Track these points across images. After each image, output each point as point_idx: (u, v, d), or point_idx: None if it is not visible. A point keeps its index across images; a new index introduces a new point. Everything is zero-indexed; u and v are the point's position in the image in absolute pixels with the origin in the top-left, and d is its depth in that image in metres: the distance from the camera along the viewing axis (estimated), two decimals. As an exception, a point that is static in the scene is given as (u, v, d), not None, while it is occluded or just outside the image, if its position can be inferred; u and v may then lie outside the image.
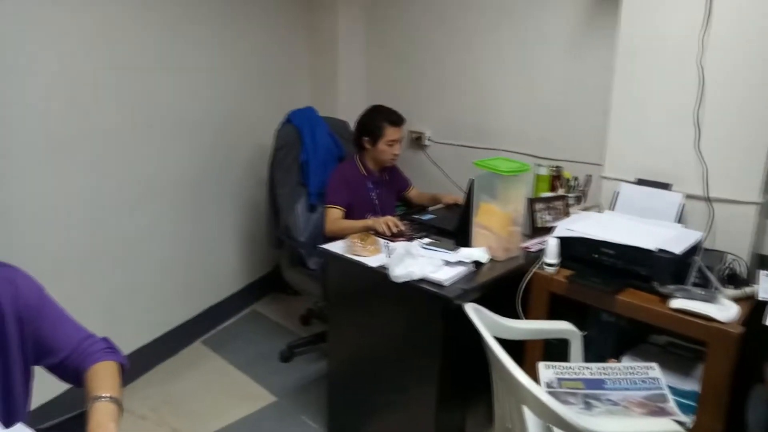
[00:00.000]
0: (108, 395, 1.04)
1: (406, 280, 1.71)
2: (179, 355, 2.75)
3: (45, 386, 1.16)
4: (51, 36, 1.99)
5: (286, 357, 2.72)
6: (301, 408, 2.35)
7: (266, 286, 3.39)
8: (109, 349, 1.16)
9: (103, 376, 1.08)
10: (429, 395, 1.78)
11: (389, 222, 2.14)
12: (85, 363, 1.11)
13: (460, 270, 1.77)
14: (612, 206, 2.05)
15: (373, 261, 1.87)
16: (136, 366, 1.13)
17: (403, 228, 2.15)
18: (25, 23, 1.91)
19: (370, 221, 2.22)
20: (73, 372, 1.12)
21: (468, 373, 1.86)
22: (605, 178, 2.14)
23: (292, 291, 3.32)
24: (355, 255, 1.92)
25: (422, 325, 1.78)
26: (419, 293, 1.71)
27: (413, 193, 2.77)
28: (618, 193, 2.04)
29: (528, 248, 1.99)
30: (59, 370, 1.13)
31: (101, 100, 2.22)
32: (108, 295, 2.32)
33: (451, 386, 1.81)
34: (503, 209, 1.89)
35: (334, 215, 2.40)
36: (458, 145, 3.00)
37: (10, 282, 1.06)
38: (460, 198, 2.45)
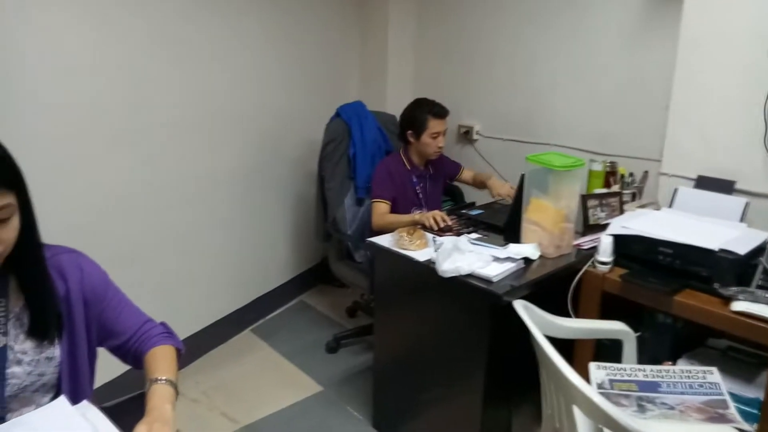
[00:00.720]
0: (165, 378, 1.08)
1: (454, 275, 1.70)
2: (230, 342, 2.83)
3: (106, 368, 1.22)
4: (113, 35, 2.07)
5: (333, 348, 2.76)
6: (346, 399, 2.38)
7: (313, 277, 3.44)
8: (167, 333, 1.21)
9: (161, 360, 1.13)
10: (475, 392, 1.77)
11: (437, 216, 2.12)
12: (145, 346, 1.16)
13: (509, 266, 1.74)
14: (670, 204, 1.97)
15: (420, 255, 1.87)
16: (189, 351, 1.18)
17: (450, 223, 2.13)
18: (89, 24, 1.99)
19: (417, 216, 2.22)
20: (133, 354, 1.17)
21: (515, 371, 1.84)
22: (663, 174, 2.05)
23: (338, 283, 3.35)
24: (402, 249, 1.92)
25: (469, 320, 1.76)
26: (467, 289, 1.69)
27: (466, 174, 2.74)
28: (677, 190, 1.96)
29: (580, 246, 1.94)
30: (120, 352, 1.19)
31: (161, 96, 2.30)
32: (165, 283, 2.41)
33: (498, 384, 1.79)
34: (555, 205, 1.85)
35: (381, 209, 2.41)
36: (508, 140, 2.95)
37: (77, 267, 1.12)
38: (511, 188, 2.40)
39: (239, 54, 2.66)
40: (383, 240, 2.02)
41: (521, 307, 1.52)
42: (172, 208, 2.43)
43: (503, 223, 2.08)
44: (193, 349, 2.59)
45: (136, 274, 2.21)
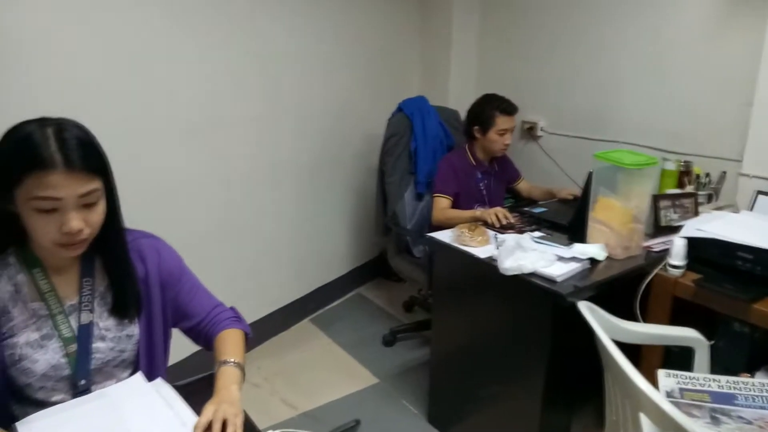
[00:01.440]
0: (233, 360, 1.13)
1: (516, 273, 1.67)
2: (290, 330, 2.91)
3: (175, 349, 1.28)
4: (190, 30, 2.16)
5: (389, 341, 2.78)
6: (402, 392, 2.39)
7: (371, 271, 3.47)
8: (236, 318, 1.26)
9: (230, 343, 1.18)
10: (534, 393, 1.74)
11: (498, 213, 2.09)
12: (215, 329, 1.21)
13: (573, 266, 1.70)
14: (751, 206, 1.85)
15: (481, 252, 1.85)
16: (252, 337, 1.23)
17: (512, 220, 2.10)
18: (171, 19, 2.09)
19: (478, 212, 2.20)
20: (204, 336, 1.23)
21: (576, 374, 1.79)
22: (744, 175, 1.94)
23: (395, 277, 3.38)
24: (463, 245, 1.91)
25: (530, 320, 1.73)
26: (529, 288, 1.66)
27: (523, 185, 2.70)
28: (758, 192, 1.84)
29: (650, 248, 1.87)
30: (192, 333, 1.25)
31: (232, 90, 2.38)
32: (232, 270, 2.50)
33: (558, 386, 1.75)
34: (624, 205, 1.78)
35: (442, 204, 2.40)
36: (574, 137, 2.86)
37: (155, 251, 1.18)
38: (577, 192, 2.34)
39: (307, 49, 2.71)
40: (443, 235, 2.01)
41: (586, 308, 1.47)
42: (239, 198, 2.52)
43: (568, 222, 2.03)
44: (255, 335, 2.64)
45: (206, 260, 2.28)
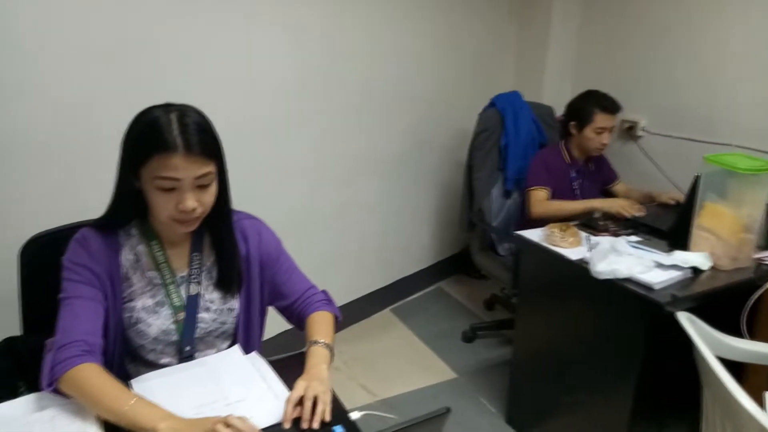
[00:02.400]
0: (323, 341, 1.18)
1: (609, 277, 1.60)
2: (371, 319, 2.97)
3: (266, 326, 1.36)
4: (290, 24, 2.25)
5: (469, 338, 2.76)
6: (480, 390, 2.38)
7: (453, 266, 3.46)
8: (327, 301, 1.31)
9: (321, 324, 1.23)
10: (622, 405, 1.66)
11: (625, 205, 2.00)
12: (307, 310, 1.27)
13: (674, 274, 1.60)
14: None
15: (571, 253, 1.79)
16: (340, 321, 1.28)
17: (639, 214, 2.00)
18: (271, 15, 2.18)
19: (596, 202, 2.10)
20: (297, 316, 1.29)
21: (669, 388, 1.70)
22: None
23: (477, 274, 3.35)
24: (553, 245, 1.85)
25: (622, 328, 1.66)
26: (623, 294, 1.59)
27: (620, 188, 2.57)
28: None
29: (761, 260, 1.72)
30: (286, 312, 1.31)
31: (326, 81, 2.45)
32: (319, 257, 2.59)
33: (649, 398, 1.67)
34: (735, 213, 1.66)
35: (540, 196, 2.31)
36: (678, 138, 2.69)
37: (256, 231, 1.26)
38: (680, 197, 2.20)
39: (400, 42, 2.73)
40: (532, 234, 1.96)
41: (686, 319, 1.40)
42: (327, 187, 2.59)
43: (668, 228, 1.91)
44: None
45: (293, 245, 2.39)
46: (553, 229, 1.87)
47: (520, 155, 2.65)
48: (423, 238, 3.26)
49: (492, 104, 2.71)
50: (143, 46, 1.82)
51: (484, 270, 2.71)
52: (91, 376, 0.98)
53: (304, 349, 1.18)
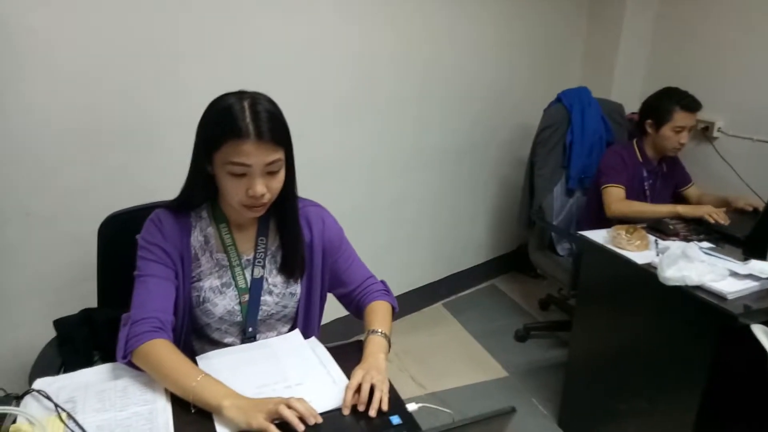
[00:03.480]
0: (381, 331, 1.18)
1: (678, 284, 1.53)
2: (422, 312, 2.97)
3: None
4: (356, 13, 2.25)
5: (522, 337, 2.71)
6: (532, 390, 2.33)
7: (508, 264, 3.41)
8: (386, 291, 1.32)
9: (379, 314, 1.23)
10: (685, 416, 1.59)
11: (714, 212, 1.93)
12: (366, 300, 1.28)
13: (749, 284, 1.51)
14: None
15: (638, 257, 1.72)
16: (397, 312, 1.29)
17: (725, 222, 1.93)
18: (336, 5, 2.19)
19: (680, 207, 2.03)
20: (355, 304, 1.30)
21: (736, 401, 1.61)
22: None
23: (533, 273, 3.28)
24: (618, 248, 1.79)
25: (689, 338, 1.58)
26: (692, 302, 1.52)
27: (692, 191, 2.44)
28: None
29: None
30: (345, 300, 1.33)
31: (384, 70, 2.43)
32: (374, 248, 2.60)
33: (715, 413, 1.59)
34: (823, 222, 1.55)
35: (618, 195, 2.19)
36: (759, 141, 2.53)
37: (320, 219, 1.27)
38: (759, 203, 2.07)
39: (464, 32, 2.68)
40: (596, 235, 1.90)
41: (762, 332, 1.32)
42: (384, 178, 2.60)
43: (744, 236, 1.80)
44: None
45: (352, 235, 2.42)
46: (620, 231, 1.81)
47: (586, 153, 2.57)
48: (478, 234, 3.22)
49: (558, 100, 2.63)
50: (221, 42, 1.88)
51: (541, 269, 2.65)
52: (162, 351, 1.03)
53: (361, 337, 1.19)
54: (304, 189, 1.31)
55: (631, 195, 2.24)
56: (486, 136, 3.00)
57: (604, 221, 2.12)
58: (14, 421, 0.92)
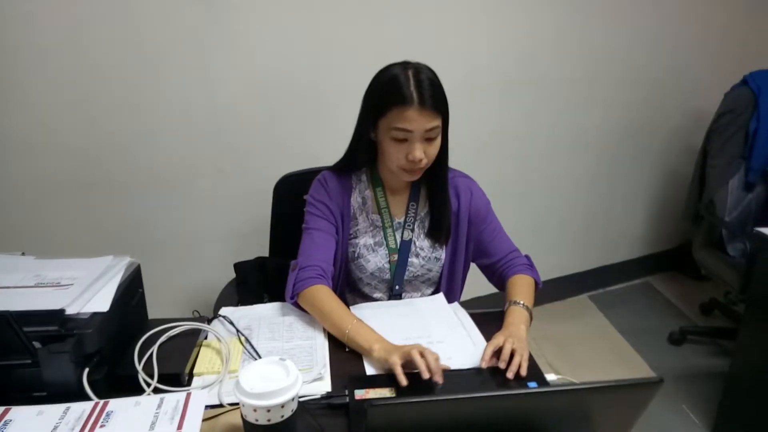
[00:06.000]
0: (523, 302, 1.20)
1: None
2: (566, 301, 2.87)
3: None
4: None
5: (677, 340, 2.51)
6: (684, 397, 2.16)
7: (667, 261, 3.15)
8: (529, 265, 1.33)
9: (522, 286, 1.25)
10: None
11: None
12: (509, 272, 1.30)
13: None
14: None
15: (830, 260, 1.51)
16: (541, 288, 1.29)
17: None
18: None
19: None
20: (498, 276, 1.33)
21: None
22: None
23: (695, 274, 2.99)
24: (805, 248, 1.58)
25: None
26: None
27: None
28: None
29: None
30: (489, 271, 1.36)
31: (555, 48, 2.37)
32: (522, 229, 2.52)
33: None
34: None
35: None
36: None
37: (468, 190, 1.32)
38: None
39: (638, 4, 2.50)
40: (778, 233, 1.69)
41: None
42: (539, 159, 2.55)
43: None
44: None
45: (500, 213, 2.42)
46: (808, 230, 1.59)
47: (773, 144, 2.27)
48: (635, 226, 3.01)
49: (744, 82, 2.35)
50: (392, 22, 2.00)
51: (707, 269, 2.41)
52: (324, 296, 1.15)
53: (503, 308, 1.22)
54: (462, 163, 1.37)
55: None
56: (654, 120, 2.78)
57: None
58: (206, 338, 1.11)
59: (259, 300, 1.47)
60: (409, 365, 0.96)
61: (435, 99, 1.11)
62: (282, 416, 0.75)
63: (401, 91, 1.10)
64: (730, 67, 2.50)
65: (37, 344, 0.85)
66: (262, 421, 0.74)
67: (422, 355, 0.95)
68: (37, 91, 1.60)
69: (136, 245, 1.83)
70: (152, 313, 1.14)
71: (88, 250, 1.09)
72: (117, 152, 1.75)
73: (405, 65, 1.15)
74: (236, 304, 1.36)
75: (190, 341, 1.06)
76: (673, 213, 2.94)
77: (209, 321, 1.15)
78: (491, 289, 1.40)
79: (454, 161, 1.34)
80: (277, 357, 0.81)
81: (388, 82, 1.13)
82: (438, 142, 1.17)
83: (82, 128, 1.68)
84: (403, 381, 0.93)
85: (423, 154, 1.13)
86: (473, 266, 1.40)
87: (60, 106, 1.64)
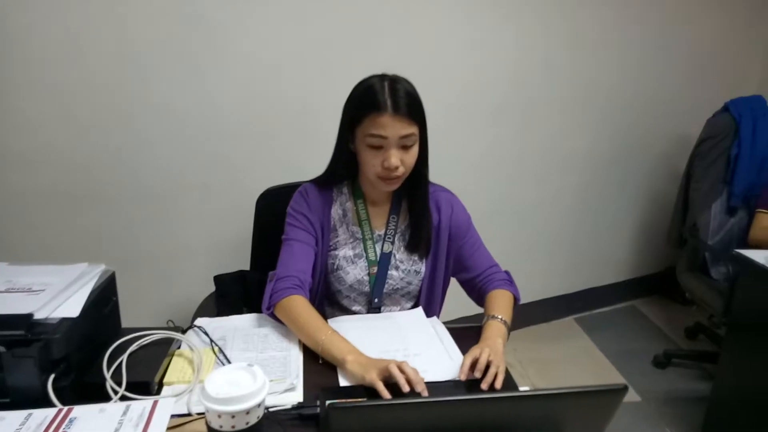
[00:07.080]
0: (500, 317, 1.19)
1: None
2: (551, 324, 2.87)
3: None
4: (511, 18, 2.27)
5: (661, 363, 2.50)
6: (667, 420, 2.15)
7: (651, 285, 3.16)
8: (509, 281, 1.32)
9: (500, 301, 1.25)
10: None
11: None
12: (489, 286, 1.30)
13: None
14: None
15: (808, 282, 1.52)
16: (514, 319, 1.27)
17: None
18: (494, 10, 2.22)
19: None
20: (477, 291, 1.33)
21: None
22: None
23: (680, 298, 3.00)
24: (784, 270, 1.59)
25: None
26: None
27: None
28: None
29: None
30: (468, 285, 1.36)
31: (544, 74, 2.42)
32: (507, 251, 2.54)
33: None
34: None
35: (765, 223, 2.02)
36: None
37: (449, 204, 1.32)
38: None
39: (623, 34, 2.56)
40: (758, 256, 1.70)
41: None
42: (527, 179, 2.57)
43: None
44: (518, 319, 2.71)
45: (485, 234, 2.43)
46: (787, 252, 1.61)
47: (754, 169, 2.31)
48: (621, 250, 3.03)
49: (725, 109, 2.39)
50: (383, 39, 2.03)
51: (691, 293, 2.42)
52: (299, 306, 1.15)
53: (480, 324, 1.21)
54: (452, 183, 1.38)
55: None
56: (640, 145, 2.83)
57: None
58: (179, 347, 1.09)
59: (238, 312, 1.46)
60: (386, 381, 0.95)
61: (409, 107, 1.13)
62: (247, 423, 0.74)
63: (375, 98, 1.12)
64: (713, 95, 2.55)
65: (1, 348, 0.84)
66: (227, 428, 0.73)
67: (401, 369, 0.95)
68: (24, 101, 1.61)
69: (119, 257, 1.82)
70: (131, 324, 1.12)
71: (69, 260, 1.08)
72: (103, 164, 1.75)
73: (382, 77, 1.17)
74: (215, 317, 1.36)
75: (163, 350, 1.04)
76: (659, 237, 2.96)
77: (184, 331, 1.14)
78: (477, 309, 1.40)
79: (444, 180, 1.36)
80: (245, 363, 0.80)
81: (364, 91, 1.16)
82: (415, 150, 1.17)
83: (67, 140, 1.69)
84: (387, 395, 0.92)
85: (399, 161, 1.14)
86: (457, 285, 1.40)
87: (47, 118, 1.64)
